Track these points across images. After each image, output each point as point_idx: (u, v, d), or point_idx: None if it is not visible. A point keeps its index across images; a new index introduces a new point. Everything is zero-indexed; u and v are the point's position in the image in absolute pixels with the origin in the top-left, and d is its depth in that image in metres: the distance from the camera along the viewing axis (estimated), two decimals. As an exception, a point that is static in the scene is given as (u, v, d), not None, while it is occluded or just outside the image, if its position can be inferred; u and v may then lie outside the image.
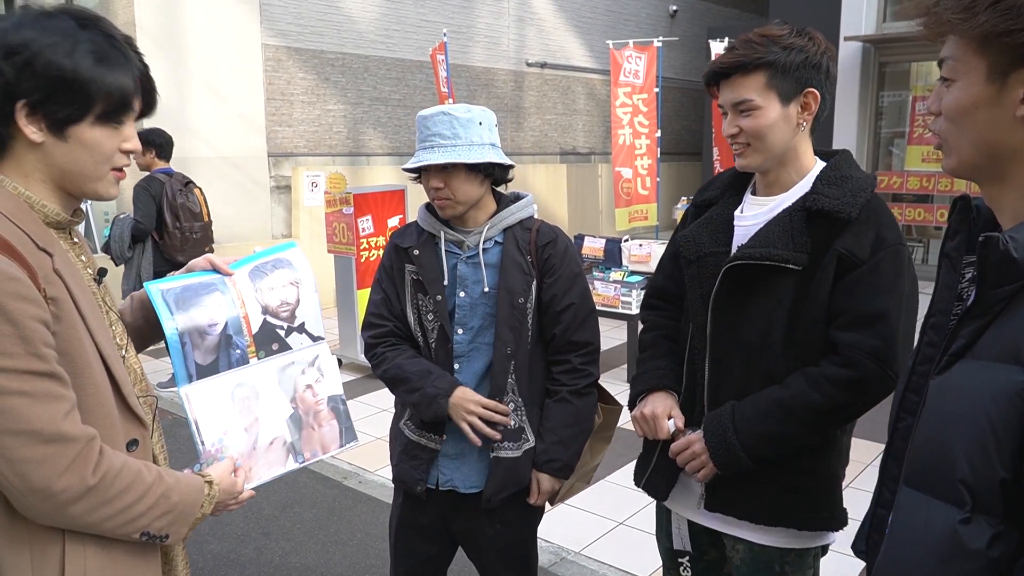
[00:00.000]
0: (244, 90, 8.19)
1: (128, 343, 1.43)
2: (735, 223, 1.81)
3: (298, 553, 3.58)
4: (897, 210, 8.31)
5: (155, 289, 1.52)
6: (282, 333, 1.66)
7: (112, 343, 1.32)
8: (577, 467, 2.17)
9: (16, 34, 1.18)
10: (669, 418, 1.83)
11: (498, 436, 2.03)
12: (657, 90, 8.36)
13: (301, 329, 1.69)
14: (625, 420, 2.26)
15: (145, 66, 1.32)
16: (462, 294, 2.07)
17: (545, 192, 11.41)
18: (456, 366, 2.09)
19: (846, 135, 9.42)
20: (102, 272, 1.39)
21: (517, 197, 2.17)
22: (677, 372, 1.92)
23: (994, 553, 0.98)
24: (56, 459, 1.13)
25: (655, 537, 2.09)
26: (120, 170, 1.32)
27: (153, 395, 1.44)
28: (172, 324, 1.50)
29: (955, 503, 1.02)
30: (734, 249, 1.78)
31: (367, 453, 4.67)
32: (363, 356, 6.49)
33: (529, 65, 11.37)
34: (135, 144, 1.32)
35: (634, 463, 2.02)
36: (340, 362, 6.40)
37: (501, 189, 2.19)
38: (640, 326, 2.12)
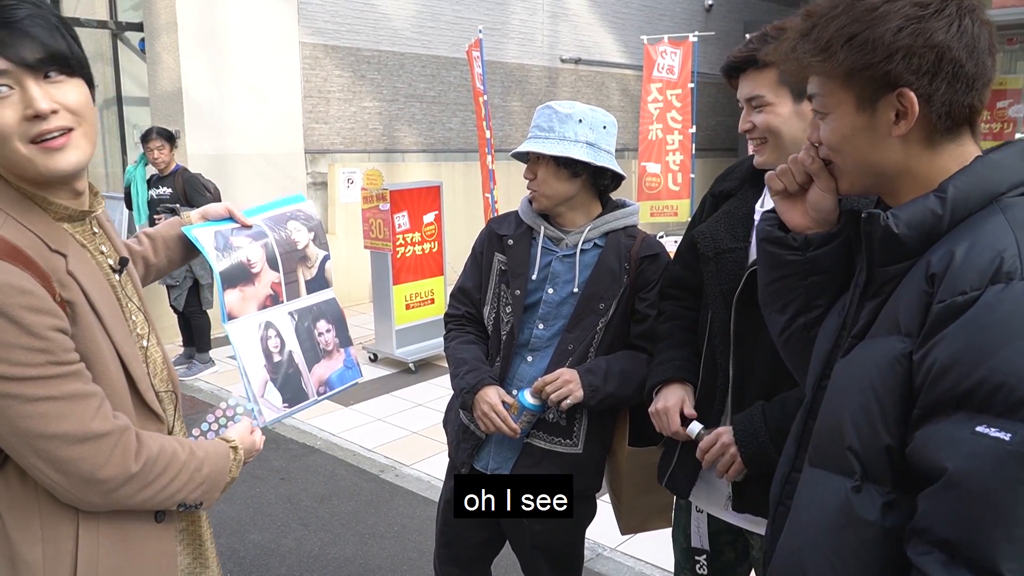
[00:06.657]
0: (282, 88, 8.29)
1: (150, 332, 1.42)
2: (756, 217, 1.78)
3: (337, 544, 3.64)
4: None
5: (198, 234, 1.62)
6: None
7: (131, 339, 1.32)
8: (652, 500, 2.16)
9: None
10: (688, 420, 1.82)
11: (516, 432, 2.02)
12: (692, 85, 8.31)
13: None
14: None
15: None
16: (551, 291, 2.07)
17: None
18: (529, 359, 2.10)
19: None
20: (123, 261, 1.39)
21: (624, 204, 2.14)
22: (693, 362, 1.90)
23: (888, 523, 0.99)
24: (94, 455, 1.17)
25: (671, 536, 2.07)
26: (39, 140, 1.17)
27: (171, 389, 1.45)
28: (220, 265, 1.61)
29: (845, 473, 1.04)
30: (754, 243, 1.74)
31: (403, 447, 4.72)
32: (398, 352, 6.54)
33: (563, 61, 11.35)
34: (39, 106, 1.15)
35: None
36: (376, 357, 6.47)
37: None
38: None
